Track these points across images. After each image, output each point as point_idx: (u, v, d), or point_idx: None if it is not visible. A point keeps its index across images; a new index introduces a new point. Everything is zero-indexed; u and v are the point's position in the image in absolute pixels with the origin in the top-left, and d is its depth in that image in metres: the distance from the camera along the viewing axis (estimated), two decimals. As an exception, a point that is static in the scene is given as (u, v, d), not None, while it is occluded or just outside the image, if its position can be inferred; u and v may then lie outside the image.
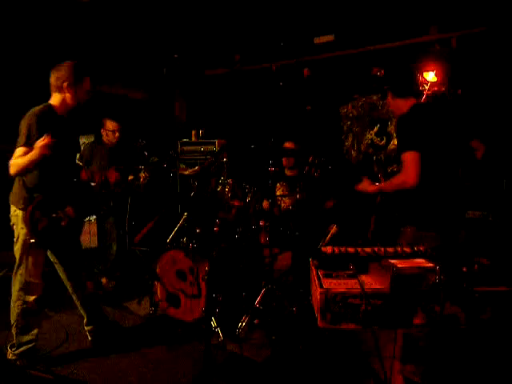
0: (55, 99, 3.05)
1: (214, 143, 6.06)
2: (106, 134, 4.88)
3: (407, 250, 2.03)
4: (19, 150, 2.81)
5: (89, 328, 3.48)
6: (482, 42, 4.60)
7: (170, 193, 5.93)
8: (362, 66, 5.26)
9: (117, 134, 4.87)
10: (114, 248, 4.82)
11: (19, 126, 2.89)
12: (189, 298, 3.72)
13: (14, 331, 3.08)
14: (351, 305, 1.67)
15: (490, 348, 1.99)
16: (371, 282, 1.76)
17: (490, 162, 4.35)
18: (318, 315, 1.71)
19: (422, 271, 1.69)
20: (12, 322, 3.08)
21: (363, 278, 1.79)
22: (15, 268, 3.04)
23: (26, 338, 3.09)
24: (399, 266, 1.71)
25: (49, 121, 2.90)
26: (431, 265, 1.74)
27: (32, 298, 3.06)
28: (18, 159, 2.79)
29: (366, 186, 2.99)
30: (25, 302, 3.05)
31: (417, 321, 1.65)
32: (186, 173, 4.37)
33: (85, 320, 3.47)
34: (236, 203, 4.06)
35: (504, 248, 3.48)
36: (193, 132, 6.47)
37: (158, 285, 3.92)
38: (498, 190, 4.13)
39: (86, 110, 5.24)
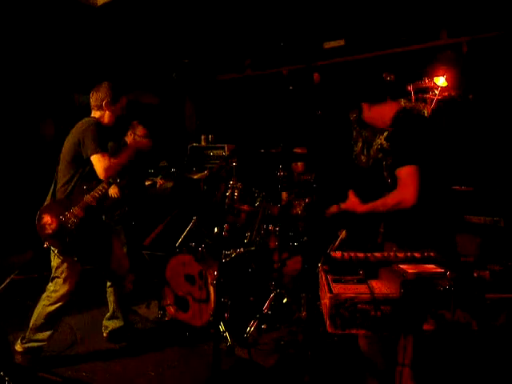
0: (96, 115, 3.24)
1: (223, 148, 6.07)
2: (134, 138, 4.90)
3: (417, 255, 2.01)
4: (102, 155, 3.00)
5: (108, 323, 3.56)
6: (492, 46, 4.57)
7: (180, 197, 5.95)
8: (373, 70, 5.25)
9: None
10: (124, 251, 4.83)
11: (76, 138, 3.06)
12: (197, 303, 3.72)
13: (30, 325, 3.15)
14: (361, 310, 1.66)
15: (503, 354, 1.96)
16: (381, 287, 1.75)
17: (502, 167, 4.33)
18: (327, 320, 1.70)
19: (432, 277, 1.67)
20: (32, 317, 3.15)
21: (373, 283, 1.78)
22: (53, 271, 3.14)
23: (38, 336, 3.15)
24: (409, 271, 1.70)
25: (101, 131, 3.12)
26: (442, 270, 1.72)
27: (56, 305, 3.12)
28: (115, 160, 3.06)
29: (353, 204, 2.64)
30: (51, 304, 3.12)
31: (427, 327, 1.63)
32: (196, 177, 4.38)
33: (108, 314, 3.57)
34: (245, 208, 4.06)
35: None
36: (202, 136, 6.49)
37: (167, 289, 3.93)
38: (510, 195, 4.09)
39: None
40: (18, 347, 3.15)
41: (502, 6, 4.25)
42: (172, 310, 3.91)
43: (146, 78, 6.40)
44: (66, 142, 3.17)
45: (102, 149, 3.01)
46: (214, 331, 3.36)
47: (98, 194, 3.09)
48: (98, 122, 3.14)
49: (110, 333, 3.55)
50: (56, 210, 3.02)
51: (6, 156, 4.91)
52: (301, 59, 5.82)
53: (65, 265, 3.10)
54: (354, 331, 1.67)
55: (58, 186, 3.13)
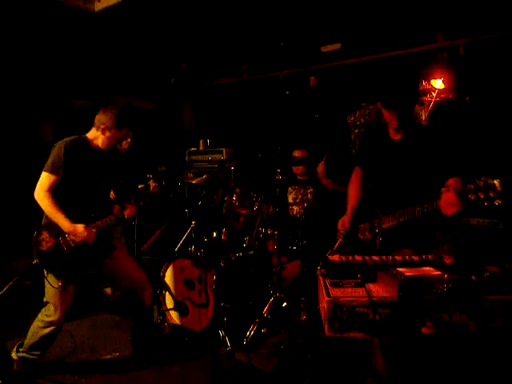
0: (91, 134, 3.12)
1: (221, 152, 6.07)
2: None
3: (415, 258, 2.01)
4: (44, 176, 2.90)
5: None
6: (489, 49, 4.59)
7: (178, 201, 5.94)
8: (370, 74, 5.27)
9: (128, 140, 4.92)
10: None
11: (51, 149, 2.98)
12: (197, 307, 3.72)
13: (26, 340, 3.09)
14: (359, 313, 1.66)
15: (501, 356, 1.96)
16: (379, 290, 1.75)
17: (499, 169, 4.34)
18: (325, 324, 1.70)
19: (429, 280, 1.67)
20: (28, 334, 3.08)
21: (371, 286, 1.78)
22: (45, 295, 3.03)
23: (34, 351, 3.09)
24: (407, 274, 1.70)
25: (79, 152, 2.98)
26: (439, 273, 1.73)
27: (49, 329, 3.03)
28: (49, 200, 2.86)
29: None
30: (45, 327, 3.02)
31: (425, 330, 1.64)
32: (194, 182, 4.38)
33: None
34: (243, 211, 4.06)
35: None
36: (201, 141, 6.50)
37: (166, 293, 3.92)
38: (509, 197, 4.09)
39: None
40: (14, 355, 3.11)
41: (497, 8, 4.27)
42: (171, 314, 3.90)
43: (144, 83, 6.42)
44: None
45: (50, 170, 2.89)
46: (213, 336, 3.36)
47: (103, 224, 3.05)
48: (72, 144, 2.97)
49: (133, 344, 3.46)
50: (57, 230, 2.93)
51: (5, 161, 4.92)
52: (298, 63, 5.84)
53: (54, 289, 2.96)
54: (352, 334, 1.67)
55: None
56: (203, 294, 3.68)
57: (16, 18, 4.52)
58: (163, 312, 3.95)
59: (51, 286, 2.94)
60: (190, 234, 4.22)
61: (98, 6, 4.69)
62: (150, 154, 5.72)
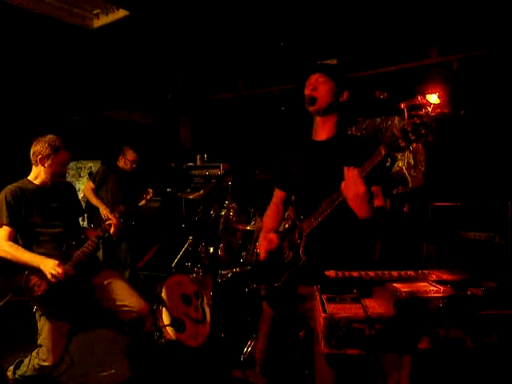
0: (32, 174, 3.09)
1: (218, 167, 6.09)
2: (124, 162, 5.01)
3: (411, 273, 2.01)
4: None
5: None
6: (482, 64, 4.65)
7: (175, 217, 5.94)
8: (365, 89, 5.31)
9: (134, 165, 5.03)
10: (127, 275, 4.82)
11: None
12: (193, 323, 3.70)
13: (23, 367, 3.01)
14: (355, 329, 1.65)
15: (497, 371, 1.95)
16: (375, 306, 1.74)
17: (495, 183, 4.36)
18: (321, 340, 1.69)
19: (425, 295, 1.67)
20: (24, 364, 3.01)
21: (367, 302, 1.77)
22: (38, 337, 2.95)
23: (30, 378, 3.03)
24: (402, 289, 1.70)
25: (23, 197, 2.95)
26: (435, 288, 1.73)
27: (42, 372, 2.97)
28: (11, 248, 2.84)
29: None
30: (39, 370, 2.94)
31: (421, 345, 1.63)
32: (191, 197, 4.39)
33: None
34: (241, 227, 4.06)
35: (511, 270, 3.44)
36: (198, 156, 6.53)
37: (163, 309, 3.90)
38: (504, 211, 4.10)
39: (92, 135, 5.32)
40: (10, 374, 3.04)
41: (489, 24, 4.34)
42: (168, 330, 3.87)
43: (141, 99, 6.46)
44: None
45: (1, 224, 2.87)
46: (210, 352, 3.33)
47: (88, 249, 2.98)
48: (13, 192, 2.93)
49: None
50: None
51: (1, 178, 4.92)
52: (294, 79, 5.88)
53: (47, 329, 2.87)
54: (348, 351, 1.66)
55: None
56: (200, 309, 3.66)
57: (15, 36, 4.56)
58: (160, 328, 3.93)
59: (48, 323, 2.86)
60: (187, 249, 4.22)
61: (97, 23, 4.76)
62: (147, 169, 5.73)
